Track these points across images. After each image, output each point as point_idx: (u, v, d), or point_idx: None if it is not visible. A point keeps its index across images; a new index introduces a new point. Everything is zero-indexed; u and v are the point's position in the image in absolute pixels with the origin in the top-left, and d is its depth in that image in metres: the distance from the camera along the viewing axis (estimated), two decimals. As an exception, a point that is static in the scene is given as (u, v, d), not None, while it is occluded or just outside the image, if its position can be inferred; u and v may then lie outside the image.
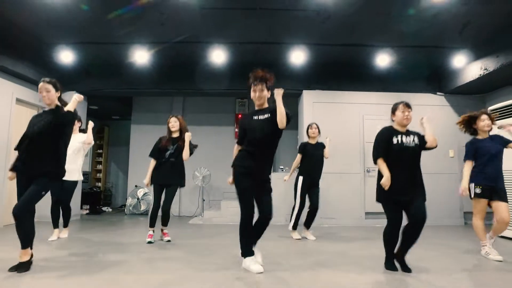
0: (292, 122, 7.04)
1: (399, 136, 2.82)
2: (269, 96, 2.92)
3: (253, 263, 2.72)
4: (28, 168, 2.80)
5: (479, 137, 3.45)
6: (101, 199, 8.30)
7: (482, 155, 3.32)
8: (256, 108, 2.94)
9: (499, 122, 4.11)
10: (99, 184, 8.73)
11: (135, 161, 7.51)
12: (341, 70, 6.08)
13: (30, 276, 2.59)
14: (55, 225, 4.12)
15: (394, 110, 2.94)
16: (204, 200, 7.12)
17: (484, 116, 3.40)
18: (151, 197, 7.20)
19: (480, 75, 5.16)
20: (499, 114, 4.77)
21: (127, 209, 7.24)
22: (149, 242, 3.92)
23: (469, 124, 3.51)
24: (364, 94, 6.19)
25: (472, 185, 3.36)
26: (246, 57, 5.57)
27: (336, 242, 4.28)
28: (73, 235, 4.44)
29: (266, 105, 2.91)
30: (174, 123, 4.18)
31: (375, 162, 2.86)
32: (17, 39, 4.97)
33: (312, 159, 4.44)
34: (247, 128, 2.87)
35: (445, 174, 6.10)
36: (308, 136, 4.60)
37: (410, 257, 2.91)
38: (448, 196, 6.00)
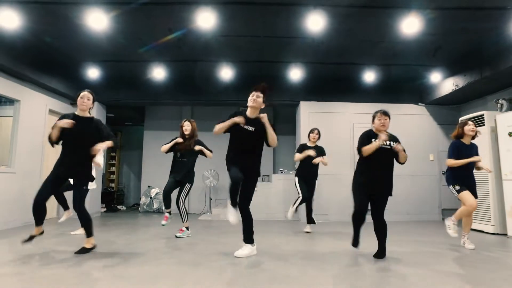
0: (291, 128, 7.85)
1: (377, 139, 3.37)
2: (262, 107, 3.50)
3: (231, 214, 3.37)
4: (71, 170, 3.32)
5: (464, 141, 3.94)
6: (114, 199, 9.04)
7: (461, 159, 3.85)
8: (248, 114, 3.41)
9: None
10: (113, 185, 9.47)
11: (148, 164, 8.27)
12: (334, 84, 6.89)
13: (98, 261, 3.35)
14: (64, 207, 4.52)
15: (373, 118, 3.46)
16: (211, 198, 7.88)
17: (470, 122, 4.00)
18: (163, 196, 7.96)
19: (453, 89, 5.98)
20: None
21: (141, 207, 7.98)
22: (162, 225, 4.50)
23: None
24: (354, 105, 6.99)
25: (451, 187, 3.95)
26: (251, 73, 6.37)
27: (330, 235, 5.07)
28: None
29: (256, 114, 3.40)
30: (187, 127, 4.58)
31: (359, 152, 3.38)
32: (53, 59, 5.74)
33: (306, 160, 5.02)
34: (236, 133, 3.39)
35: (425, 176, 6.91)
36: (309, 139, 5.25)
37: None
38: (428, 195, 6.82)
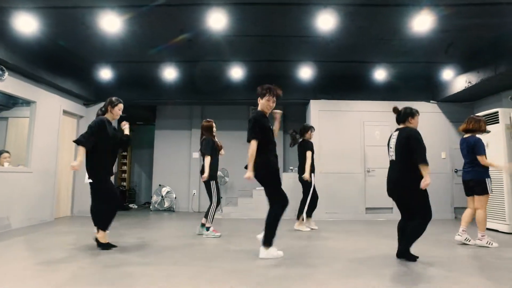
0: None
1: None
2: None
3: (275, 250, 3.25)
4: (111, 172, 3.65)
5: (479, 136, 3.97)
6: (126, 197, 9.18)
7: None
8: (265, 113, 3.41)
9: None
10: (124, 184, 9.61)
11: (158, 162, 8.37)
12: (344, 82, 6.85)
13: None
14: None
15: (414, 116, 3.29)
16: (222, 197, 7.94)
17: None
18: (174, 195, 8.06)
19: (466, 87, 5.89)
20: (485, 120, 5.46)
21: (152, 206, 8.10)
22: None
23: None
24: (365, 103, 6.95)
25: (489, 180, 3.82)
26: (261, 72, 6.39)
27: (341, 233, 5.07)
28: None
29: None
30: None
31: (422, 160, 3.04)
32: (67, 61, 5.85)
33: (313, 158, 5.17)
34: (268, 133, 3.31)
35: (438, 174, 6.82)
36: (309, 137, 5.28)
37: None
38: (441, 193, 6.74)
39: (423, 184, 3.01)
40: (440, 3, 4.02)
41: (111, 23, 4.28)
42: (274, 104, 3.44)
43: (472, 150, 3.90)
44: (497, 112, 5.18)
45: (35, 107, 5.52)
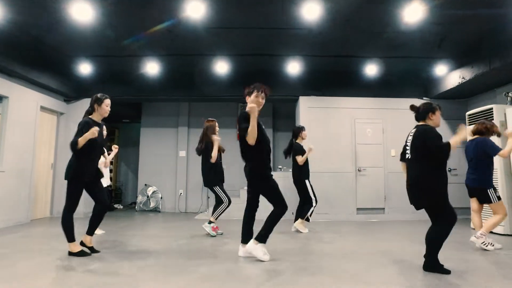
0: (290, 124, 7.57)
1: None
2: None
3: (264, 252, 3.16)
4: (93, 174, 3.35)
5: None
6: (112, 197, 8.89)
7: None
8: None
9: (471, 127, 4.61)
10: (111, 183, 9.32)
11: (145, 161, 8.10)
12: (334, 78, 6.62)
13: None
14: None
15: (435, 111, 3.03)
16: (209, 197, 7.69)
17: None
18: (160, 195, 7.79)
19: (459, 82, 5.68)
20: (478, 118, 5.25)
21: (138, 206, 7.83)
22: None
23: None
24: (356, 100, 6.72)
25: (492, 189, 3.70)
26: (247, 67, 6.14)
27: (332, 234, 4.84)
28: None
29: None
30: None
31: (445, 151, 2.79)
32: (42, 54, 5.56)
33: (307, 160, 4.92)
34: (263, 137, 3.22)
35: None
36: (302, 138, 5.02)
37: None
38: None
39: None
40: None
41: (82, 12, 4.00)
42: (264, 101, 3.30)
43: (479, 152, 3.77)
44: (492, 108, 4.98)
45: (8, 102, 5.23)
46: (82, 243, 3.34)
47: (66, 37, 4.96)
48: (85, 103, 6.75)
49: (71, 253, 3.23)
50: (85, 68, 6.01)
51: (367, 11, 4.25)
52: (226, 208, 4.50)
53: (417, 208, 2.96)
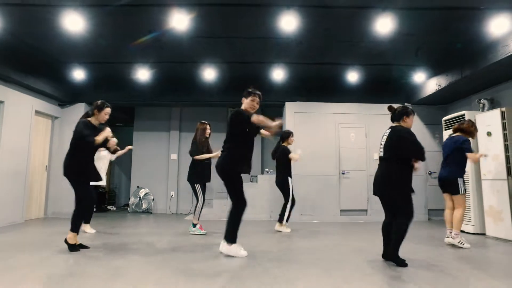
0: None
1: None
2: None
3: (240, 249, 3.34)
4: (90, 173, 3.63)
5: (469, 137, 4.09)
6: (106, 199, 9.10)
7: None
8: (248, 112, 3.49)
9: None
10: (104, 185, 9.52)
11: (137, 164, 8.33)
12: (318, 85, 6.89)
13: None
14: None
15: (409, 114, 3.26)
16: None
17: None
18: (151, 197, 8.01)
19: (436, 89, 5.96)
20: (452, 123, 5.51)
21: (130, 208, 8.04)
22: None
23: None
24: (340, 105, 6.99)
25: (461, 180, 3.94)
26: (235, 74, 6.40)
27: (316, 235, 5.07)
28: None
29: None
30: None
31: (422, 155, 3.08)
32: (37, 61, 5.81)
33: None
34: (251, 134, 3.50)
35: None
36: (288, 143, 5.32)
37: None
38: (415, 195, 6.76)
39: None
40: (403, 6, 4.06)
41: (74, 22, 4.25)
42: (258, 106, 3.56)
43: (455, 148, 3.99)
44: (464, 114, 5.25)
45: (3, 107, 5.47)
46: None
47: (60, 45, 5.21)
48: (79, 108, 7.01)
49: (66, 242, 3.49)
50: (78, 74, 6.26)
51: (344, 23, 4.51)
52: (202, 206, 4.74)
53: (382, 197, 3.22)
